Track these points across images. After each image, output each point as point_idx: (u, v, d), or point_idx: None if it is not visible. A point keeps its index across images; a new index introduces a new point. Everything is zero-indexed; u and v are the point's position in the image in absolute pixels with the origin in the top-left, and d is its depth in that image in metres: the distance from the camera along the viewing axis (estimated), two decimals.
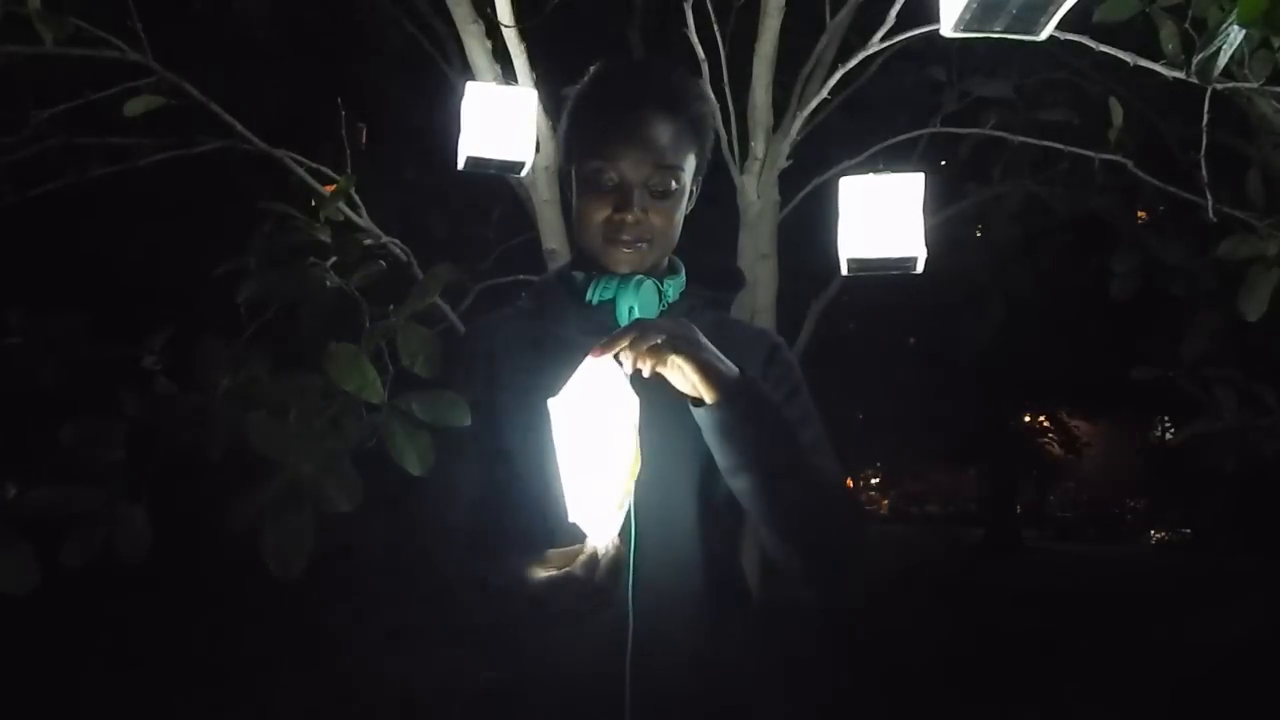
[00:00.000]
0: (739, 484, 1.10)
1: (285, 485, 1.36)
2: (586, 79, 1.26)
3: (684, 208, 1.24)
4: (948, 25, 1.17)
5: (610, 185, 1.18)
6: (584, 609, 0.99)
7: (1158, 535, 22.95)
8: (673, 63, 1.30)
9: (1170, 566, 15.27)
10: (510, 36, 2.41)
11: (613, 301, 1.19)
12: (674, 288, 1.25)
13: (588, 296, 1.21)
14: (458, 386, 1.28)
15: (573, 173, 1.24)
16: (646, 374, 1.02)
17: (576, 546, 0.99)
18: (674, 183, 1.19)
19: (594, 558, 0.97)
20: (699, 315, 1.26)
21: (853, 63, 2.37)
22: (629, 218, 1.17)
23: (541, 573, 1.01)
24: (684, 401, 1.09)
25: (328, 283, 1.68)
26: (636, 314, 1.18)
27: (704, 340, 1.05)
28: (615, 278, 1.20)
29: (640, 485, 0.98)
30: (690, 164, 1.22)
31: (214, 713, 4.81)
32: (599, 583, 0.96)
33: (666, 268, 1.28)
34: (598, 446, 0.96)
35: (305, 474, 1.36)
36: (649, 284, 1.20)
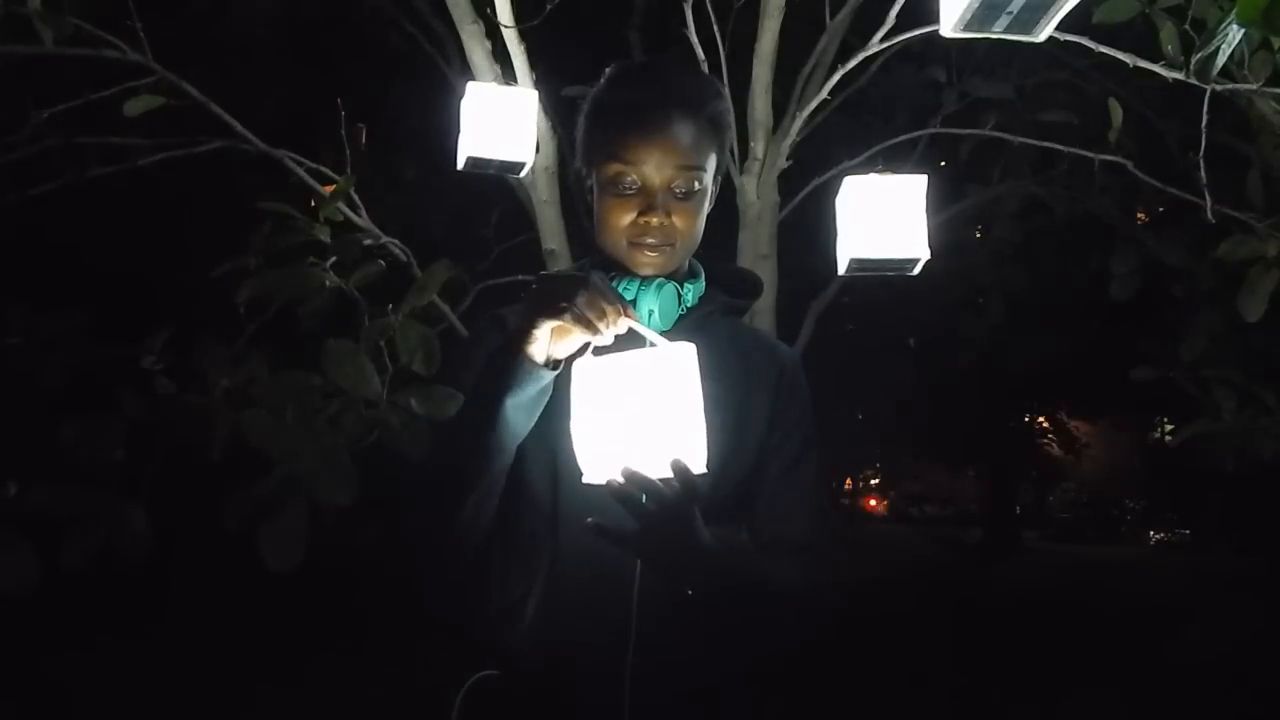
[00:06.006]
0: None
1: (281, 480, 1.36)
2: (603, 81, 1.24)
3: (707, 207, 1.23)
4: (948, 26, 1.17)
5: (633, 189, 1.17)
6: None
7: (1157, 536, 22.87)
8: (687, 61, 1.28)
9: (1170, 567, 15.26)
10: (510, 36, 2.41)
11: (633, 303, 1.19)
12: (693, 292, 1.24)
13: None
14: (473, 373, 1.25)
15: (592, 176, 1.22)
16: None
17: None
18: (697, 183, 1.18)
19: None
20: (715, 322, 1.26)
21: (853, 63, 2.37)
22: (654, 221, 1.16)
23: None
24: None
25: (327, 283, 1.69)
26: (656, 316, 1.18)
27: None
28: (636, 279, 1.19)
29: None
30: (711, 163, 1.21)
31: (209, 713, 4.81)
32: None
33: (687, 270, 1.28)
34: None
35: (302, 469, 1.36)
36: (669, 287, 1.19)
